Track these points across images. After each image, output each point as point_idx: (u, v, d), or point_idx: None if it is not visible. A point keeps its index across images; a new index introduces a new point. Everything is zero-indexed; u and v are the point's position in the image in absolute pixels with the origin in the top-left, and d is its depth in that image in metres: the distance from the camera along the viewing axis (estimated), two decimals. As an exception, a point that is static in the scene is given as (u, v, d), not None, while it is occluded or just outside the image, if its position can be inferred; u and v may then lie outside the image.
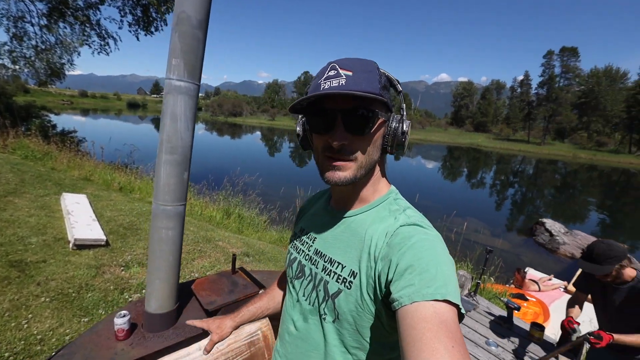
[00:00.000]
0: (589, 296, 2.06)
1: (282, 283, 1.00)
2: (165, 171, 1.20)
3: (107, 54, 10.84)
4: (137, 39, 10.27)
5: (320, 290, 0.66)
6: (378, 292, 0.57)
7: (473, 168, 26.75)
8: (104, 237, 3.28)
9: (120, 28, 10.24)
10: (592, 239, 7.85)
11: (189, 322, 1.07)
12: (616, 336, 1.73)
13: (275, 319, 1.92)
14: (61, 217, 3.77)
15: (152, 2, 9.28)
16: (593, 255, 1.81)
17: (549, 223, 8.46)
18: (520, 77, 65.97)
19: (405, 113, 0.64)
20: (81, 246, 3.11)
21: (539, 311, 4.11)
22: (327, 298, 0.64)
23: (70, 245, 3.08)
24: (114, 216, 4.13)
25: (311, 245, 0.73)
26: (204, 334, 1.41)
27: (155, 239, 1.26)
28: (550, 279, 5.25)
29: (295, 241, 0.81)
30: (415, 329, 0.45)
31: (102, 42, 10.68)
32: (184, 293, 1.50)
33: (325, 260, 0.67)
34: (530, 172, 28.14)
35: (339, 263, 0.64)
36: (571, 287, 4.71)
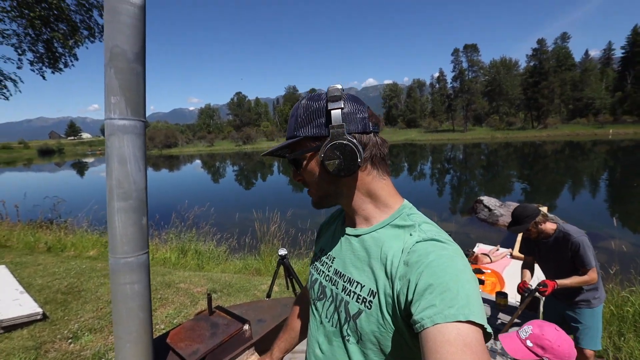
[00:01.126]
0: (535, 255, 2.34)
1: (300, 310, 0.97)
2: (120, 220, 1.08)
3: (7, 98, 9.45)
4: (44, 77, 9.14)
5: (341, 311, 0.65)
6: (398, 311, 0.56)
7: (412, 161, 28.78)
8: (39, 310, 2.79)
9: (19, 68, 9.01)
10: (522, 206, 8.95)
11: None
12: (559, 281, 2.01)
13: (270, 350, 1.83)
14: (-25, 297, 3.12)
15: (56, 36, 8.33)
16: (513, 218, 2.13)
17: (486, 199, 9.41)
18: (437, 74, 73.61)
19: (332, 131, 0.59)
20: (10, 327, 2.61)
21: (495, 281, 4.50)
22: (348, 319, 0.63)
23: (-5, 328, 2.57)
24: (47, 283, 3.55)
25: (330, 266, 0.72)
26: None
27: (119, 298, 1.12)
28: (497, 249, 5.79)
29: (315, 262, 0.80)
30: (438, 353, 0.43)
31: (-2, 86, 9.30)
32: (159, 350, 1.35)
33: (345, 280, 0.67)
34: (461, 157, 31.22)
35: (358, 282, 0.63)
36: (516, 253, 5.27)
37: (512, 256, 5.46)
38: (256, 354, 1.56)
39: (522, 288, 2.20)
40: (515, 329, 1.65)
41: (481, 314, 0.47)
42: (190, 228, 6.19)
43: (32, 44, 8.59)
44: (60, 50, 8.89)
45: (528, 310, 2.45)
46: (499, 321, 2.44)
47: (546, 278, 2.30)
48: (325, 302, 0.71)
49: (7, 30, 8.20)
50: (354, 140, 0.59)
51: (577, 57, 63.74)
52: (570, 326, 2.16)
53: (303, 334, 0.96)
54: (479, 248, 6.05)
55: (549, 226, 2.09)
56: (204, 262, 5.27)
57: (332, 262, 0.73)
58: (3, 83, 9.33)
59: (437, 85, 73.95)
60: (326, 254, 0.76)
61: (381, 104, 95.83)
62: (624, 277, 3.55)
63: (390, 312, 0.57)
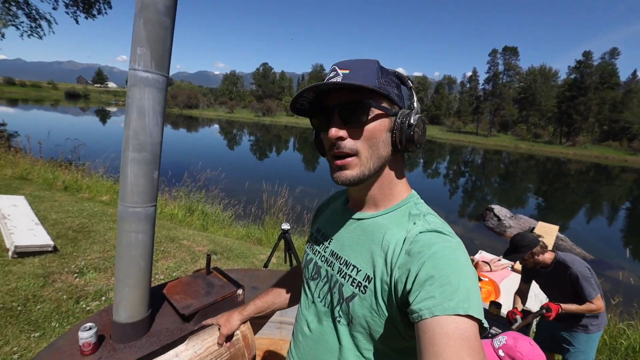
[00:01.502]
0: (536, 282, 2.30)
1: (289, 280, 0.98)
2: (132, 170, 1.11)
3: (40, 37, 9.62)
4: (77, 22, 9.23)
5: (335, 292, 0.66)
6: (394, 299, 0.55)
7: (428, 159, 28.24)
8: (51, 242, 2.96)
9: (55, 9, 9.11)
10: (533, 221, 8.74)
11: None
12: (563, 305, 1.97)
13: (265, 317, 1.89)
14: (-5, 222, 3.33)
15: (93, -18, 8.38)
16: (510, 245, 2.10)
17: (497, 209, 9.24)
18: (469, 73, 70.66)
19: (416, 107, 0.61)
20: (23, 254, 2.78)
21: (491, 289, 4.49)
22: (341, 301, 0.63)
23: (10, 253, 2.74)
24: (60, 218, 3.74)
25: (327, 247, 0.72)
26: (180, 340, 1.34)
27: (123, 244, 1.17)
28: (499, 260, 5.74)
29: (311, 242, 0.79)
30: (436, 345, 0.43)
31: (33, 24, 9.45)
32: (155, 298, 1.41)
33: (341, 262, 0.66)
34: (479, 162, 30.44)
35: (354, 266, 0.63)
36: (517, 266, 5.21)
37: (514, 269, 5.40)
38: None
39: (511, 317, 2.19)
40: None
41: (480, 309, 0.47)
42: (200, 189, 6.34)
43: (69, -14, 8.63)
44: (95, -5, 8.92)
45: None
46: (489, 331, 2.45)
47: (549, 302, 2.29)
48: (319, 282, 0.71)
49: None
50: None
51: (624, 76, 59.64)
52: (561, 347, 2.15)
53: (284, 302, 0.97)
54: (481, 255, 6.00)
55: (547, 256, 2.07)
56: (209, 223, 5.42)
57: (329, 244, 0.72)
58: (38, 22, 9.49)
59: (468, 85, 71.09)
60: (323, 235, 0.75)
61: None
62: (625, 309, 3.49)
63: (385, 300, 0.57)
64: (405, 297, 0.52)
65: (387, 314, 0.57)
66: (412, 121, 0.59)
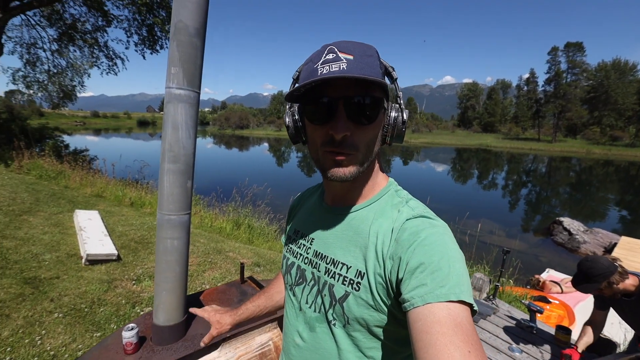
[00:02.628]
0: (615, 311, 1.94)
1: (280, 282, 0.95)
2: (168, 180, 1.19)
3: (115, 73, 11.21)
4: (144, 57, 10.57)
5: (325, 295, 0.61)
6: (390, 290, 0.53)
7: (483, 169, 26.32)
8: (116, 252, 3.30)
9: (127, 48, 10.56)
10: (615, 236, 7.58)
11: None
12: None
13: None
14: (74, 233, 3.82)
15: (157, 22, 9.54)
16: (580, 273, 1.79)
17: (567, 222, 8.20)
18: (526, 75, 65.11)
19: (402, 102, 0.60)
20: (93, 261, 3.14)
21: (563, 314, 3.94)
22: (334, 303, 0.59)
23: (83, 260, 3.11)
24: (125, 231, 4.17)
25: (309, 247, 0.68)
26: (214, 346, 1.37)
27: (160, 250, 1.25)
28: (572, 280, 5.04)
29: (290, 244, 0.75)
30: (429, 334, 0.42)
31: (110, 63, 11.06)
32: (192, 304, 1.48)
33: (328, 262, 0.62)
34: (543, 171, 27.52)
35: (343, 264, 0.59)
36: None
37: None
38: (278, 328, 1.61)
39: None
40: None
41: (470, 293, 0.46)
42: (247, 204, 6.63)
43: (138, 28, 9.96)
44: (158, 33, 10.14)
45: (596, 354, 2.08)
46: None
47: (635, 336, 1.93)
48: (305, 286, 0.67)
49: (121, 15, 9.65)
50: None
51: None
52: None
53: (277, 304, 0.92)
54: (549, 274, 5.34)
55: (629, 282, 1.72)
56: (254, 237, 5.62)
57: (310, 244, 0.68)
58: (114, 60, 11.04)
59: (525, 88, 65.43)
60: (303, 235, 0.71)
61: (457, 104, 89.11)
62: None
63: (382, 294, 0.54)
64: (399, 287, 0.51)
65: (386, 308, 0.54)
66: (404, 117, 0.58)
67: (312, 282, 0.65)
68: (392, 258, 0.53)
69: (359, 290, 0.56)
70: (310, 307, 0.65)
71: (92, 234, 3.67)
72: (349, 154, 0.54)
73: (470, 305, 0.45)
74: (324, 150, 0.55)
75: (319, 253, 0.65)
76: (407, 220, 0.55)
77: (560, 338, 2.31)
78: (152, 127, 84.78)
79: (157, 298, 1.28)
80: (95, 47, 10.68)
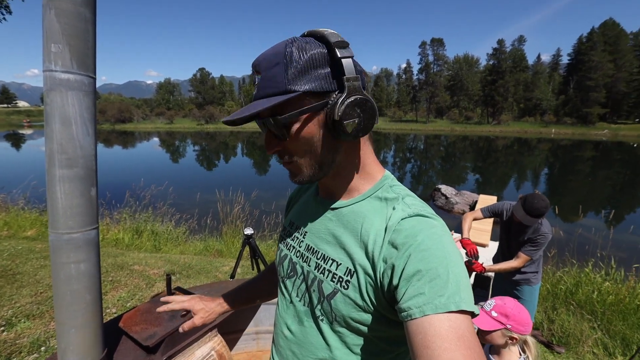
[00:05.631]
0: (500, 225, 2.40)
1: (264, 275, 0.91)
2: (63, 190, 0.93)
3: None
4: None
5: (314, 290, 0.60)
6: (381, 293, 0.52)
7: (376, 150, 29.36)
8: (-36, 294, 2.46)
9: None
10: (475, 195, 9.57)
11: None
12: (487, 267, 2.19)
13: (239, 331, 1.77)
14: None
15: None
16: (530, 207, 1.99)
17: (444, 188, 9.95)
18: (404, 65, 75.08)
19: (348, 85, 0.49)
20: None
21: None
22: (322, 299, 0.58)
23: None
24: (-27, 265, 3.14)
25: (302, 241, 0.66)
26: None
27: (61, 279, 0.99)
28: (452, 235, 6.19)
29: (284, 236, 0.72)
30: (430, 349, 0.40)
31: None
32: (110, 335, 1.24)
33: (318, 257, 0.61)
34: (422, 147, 32.57)
35: (334, 260, 0.58)
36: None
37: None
38: (219, 335, 1.50)
39: (473, 253, 2.26)
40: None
41: (470, 299, 0.45)
42: (147, 208, 5.82)
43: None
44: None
45: (480, 288, 2.64)
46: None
47: (497, 253, 2.51)
48: (295, 280, 0.65)
49: None
50: (369, 96, 0.52)
51: (531, 59, 68.51)
52: None
53: (259, 297, 0.91)
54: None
55: None
56: (161, 243, 5.01)
57: (303, 237, 0.66)
58: None
59: (404, 76, 75.64)
60: (297, 228, 0.69)
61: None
62: (559, 259, 3.97)
63: (372, 294, 0.53)
64: (392, 293, 0.49)
65: (373, 309, 0.53)
66: (339, 113, 0.49)
67: (302, 276, 0.63)
68: (385, 261, 0.51)
69: (347, 288, 0.54)
70: (300, 301, 0.64)
71: None
72: (292, 163, 0.56)
73: (471, 313, 0.44)
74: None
75: (311, 247, 0.63)
76: (402, 219, 0.52)
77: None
78: (-13, 124, 64.82)
79: (63, 340, 1.01)
80: None
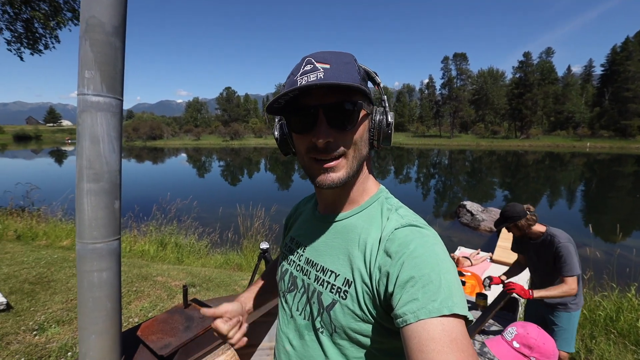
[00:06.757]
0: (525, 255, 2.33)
1: (272, 275, 0.90)
2: (89, 203, 1.01)
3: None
4: (21, 58, 8.71)
5: (314, 302, 0.61)
6: (378, 302, 0.53)
7: (398, 165, 29.08)
8: (3, 300, 2.64)
9: (-5, 47, 8.56)
10: (503, 212, 9.17)
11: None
12: (536, 292, 1.96)
13: (253, 345, 1.77)
14: None
15: (36, 16, 7.95)
16: (500, 215, 2.18)
17: (469, 204, 9.60)
18: (426, 80, 74.68)
19: (387, 105, 0.60)
20: (-30, 317, 2.46)
21: (475, 283, 4.58)
22: (322, 311, 0.59)
23: (-47, 318, 2.41)
24: (14, 272, 3.37)
25: (302, 255, 0.68)
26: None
27: (85, 287, 1.05)
28: (478, 253, 5.91)
29: (285, 252, 0.75)
30: (424, 352, 0.41)
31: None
32: (128, 343, 1.28)
33: (317, 269, 0.62)
34: (446, 163, 31.78)
35: (332, 272, 0.59)
36: (496, 257, 5.38)
37: (492, 260, 5.57)
38: (232, 348, 1.51)
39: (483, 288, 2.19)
40: (488, 332, 1.66)
41: (463, 304, 0.45)
42: (171, 221, 6.04)
43: (9, 23, 8.17)
44: (40, 30, 8.51)
45: (507, 311, 2.48)
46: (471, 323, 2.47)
47: (531, 281, 2.35)
48: (296, 293, 0.67)
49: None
50: None
51: (560, 71, 66.17)
52: (547, 327, 2.20)
53: (271, 294, 0.90)
54: (460, 251, 6.15)
55: (537, 228, 2.11)
56: (184, 255, 5.15)
57: (303, 251, 0.68)
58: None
59: (427, 92, 75.10)
60: (297, 243, 0.71)
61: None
62: (597, 282, 3.68)
63: (369, 303, 0.54)
64: (388, 300, 0.50)
65: (372, 319, 0.54)
66: (390, 119, 0.59)
67: (303, 289, 0.65)
68: (379, 269, 0.52)
69: (345, 298, 0.56)
70: (300, 315, 0.64)
71: (-37, 281, 2.87)
72: (335, 159, 0.55)
73: (464, 317, 0.45)
74: (310, 157, 0.56)
75: (310, 260, 0.65)
76: (395, 229, 0.54)
77: (480, 303, 2.67)
78: (35, 142, 70.63)
79: (84, 344, 1.07)
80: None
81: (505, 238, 5.10)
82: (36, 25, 8.29)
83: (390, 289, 0.49)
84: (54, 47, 8.79)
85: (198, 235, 6.05)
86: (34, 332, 2.37)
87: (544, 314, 2.23)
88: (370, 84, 0.62)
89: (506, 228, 2.16)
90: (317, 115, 0.53)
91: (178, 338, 1.32)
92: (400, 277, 0.48)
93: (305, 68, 0.52)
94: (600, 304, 3.22)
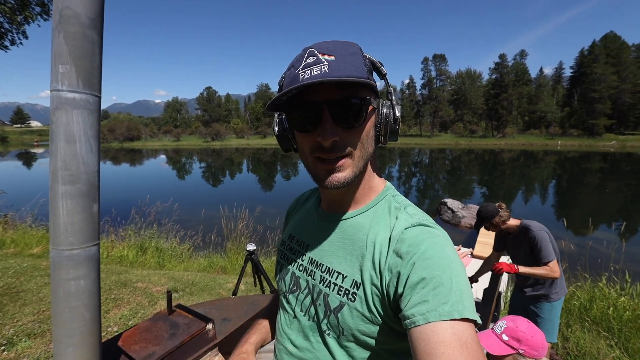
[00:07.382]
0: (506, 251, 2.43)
1: (268, 309, 0.88)
2: (65, 206, 0.95)
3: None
4: (-16, 56, 8.18)
5: (320, 304, 0.59)
6: (387, 303, 0.52)
7: (381, 164, 29.41)
8: (-32, 313, 2.46)
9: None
10: (482, 209, 9.46)
11: None
12: (521, 268, 2.06)
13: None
14: None
15: (1, 10, 7.49)
16: (477, 215, 2.29)
17: (450, 202, 9.84)
18: (407, 81, 76.10)
19: (393, 98, 0.57)
20: None
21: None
22: (328, 313, 0.57)
23: None
24: (-22, 283, 3.15)
25: (304, 254, 0.65)
26: None
27: (60, 296, 0.99)
28: (459, 249, 6.07)
29: (284, 250, 0.71)
30: (433, 355, 0.40)
31: None
32: (109, 354, 1.22)
33: (323, 270, 0.60)
34: (427, 161, 32.50)
35: (339, 273, 0.57)
36: (476, 252, 5.54)
37: (473, 255, 5.73)
38: (220, 355, 1.47)
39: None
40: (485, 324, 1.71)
41: (473, 307, 0.45)
42: (151, 224, 5.85)
43: (-30, 16, 7.66)
44: (6, 25, 8.01)
45: (485, 304, 2.54)
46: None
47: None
48: (299, 294, 0.64)
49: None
50: None
51: (533, 73, 69.11)
52: (531, 319, 2.28)
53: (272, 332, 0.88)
54: (443, 248, 6.30)
55: (512, 223, 2.22)
56: (165, 260, 5.00)
57: (305, 251, 0.65)
58: None
59: (407, 92, 76.44)
60: (298, 241, 0.69)
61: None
62: (571, 273, 3.86)
63: (378, 305, 0.52)
64: (397, 301, 0.49)
65: (381, 321, 0.53)
66: (397, 113, 0.55)
67: (307, 290, 0.62)
68: (390, 270, 0.51)
69: (354, 301, 0.54)
70: (304, 316, 0.62)
71: None
72: (341, 158, 0.52)
73: (474, 321, 0.44)
74: (314, 156, 0.53)
75: (314, 260, 0.62)
76: (405, 229, 0.53)
77: None
78: (1, 144, 66.59)
79: (60, 358, 1.00)
80: None
81: (485, 234, 5.26)
82: (1, 19, 7.81)
83: (400, 290, 0.48)
84: (21, 43, 8.30)
85: (180, 239, 5.88)
86: (2, 347, 2.22)
87: (526, 307, 2.31)
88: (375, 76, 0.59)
89: (485, 227, 2.27)
90: (322, 112, 0.50)
91: (163, 346, 1.26)
92: (410, 278, 0.47)
93: (308, 60, 0.48)
94: (575, 294, 3.37)
